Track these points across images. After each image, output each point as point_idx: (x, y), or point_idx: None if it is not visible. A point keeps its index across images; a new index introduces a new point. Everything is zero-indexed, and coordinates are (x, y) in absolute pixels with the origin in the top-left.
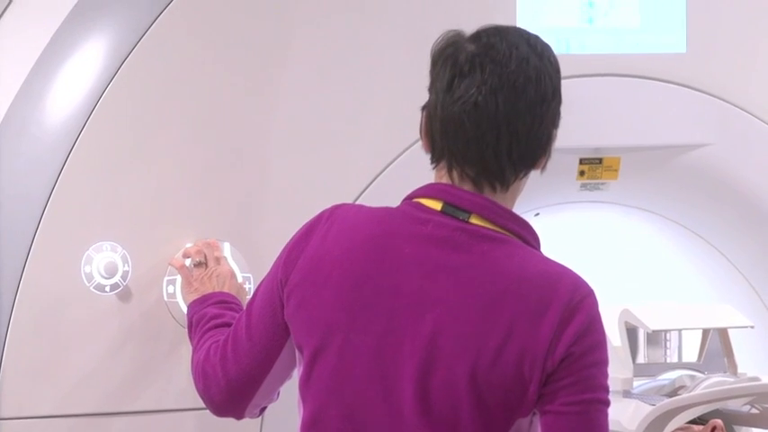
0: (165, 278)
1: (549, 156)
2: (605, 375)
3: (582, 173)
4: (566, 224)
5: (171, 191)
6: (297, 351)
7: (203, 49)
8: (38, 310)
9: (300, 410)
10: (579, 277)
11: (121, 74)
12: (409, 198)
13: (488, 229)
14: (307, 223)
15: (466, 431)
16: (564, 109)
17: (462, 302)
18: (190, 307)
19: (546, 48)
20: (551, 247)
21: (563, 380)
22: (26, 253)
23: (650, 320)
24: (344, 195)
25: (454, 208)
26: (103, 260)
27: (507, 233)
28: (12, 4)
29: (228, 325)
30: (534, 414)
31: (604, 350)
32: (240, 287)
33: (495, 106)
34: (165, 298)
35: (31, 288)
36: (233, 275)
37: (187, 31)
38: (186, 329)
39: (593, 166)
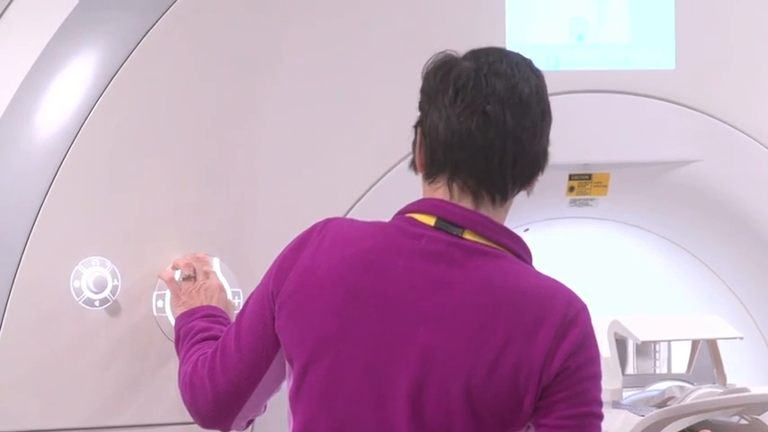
0: (155, 293)
1: (542, 174)
2: (599, 389)
3: (571, 188)
4: (555, 239)
5: (160, 206)
6: (287, 363)
7: (193, 64)
8: (27, 325)
9: (290, 423)
10: (572, 292)
11: (111, 89)
12: (401, 213)
13: (482, 244)
14: (299, 236)
15: None
16: (553, 125)
17: (456, 316)
18: (178, 320)
19: (539, 70)
20: (541, 263)
21: (558, 393)
22: (15, 268)
23: (640, 331)
24: (334, 211)
25: (447, 223)
26: (93, 275)
27: (500, 248)
28: (0, 19)
29: (216, 338)
30: (529, 428)
31: (598, 364)
32: (228, 302)
33: (503, 116)
34: (155, 312)
35: (21, 303)
36: (222, 289)
37: (177, 46)
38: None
39: (583, 182)
